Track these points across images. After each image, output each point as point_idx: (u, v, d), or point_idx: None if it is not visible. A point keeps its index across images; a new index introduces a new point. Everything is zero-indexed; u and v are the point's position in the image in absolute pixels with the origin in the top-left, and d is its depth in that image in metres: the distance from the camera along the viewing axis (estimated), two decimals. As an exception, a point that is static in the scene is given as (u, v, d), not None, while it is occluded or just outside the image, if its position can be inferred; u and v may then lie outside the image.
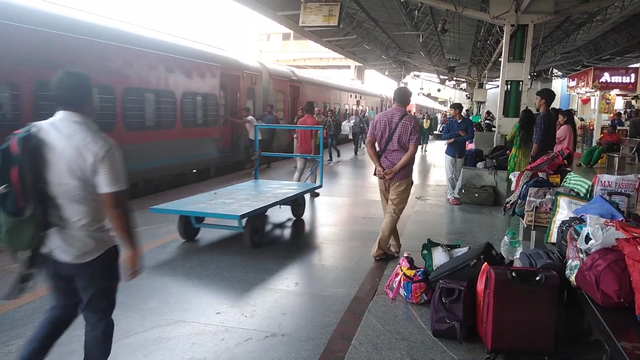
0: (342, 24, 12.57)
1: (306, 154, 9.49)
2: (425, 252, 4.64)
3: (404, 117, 5.26)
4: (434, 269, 4.33)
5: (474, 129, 12.13)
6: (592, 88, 16.60)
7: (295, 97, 18.51)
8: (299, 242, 6.24)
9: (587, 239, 2.94)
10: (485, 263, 3.64)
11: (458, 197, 8.75)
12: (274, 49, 49.85)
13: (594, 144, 15.24)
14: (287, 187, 7.54)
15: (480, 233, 6.62)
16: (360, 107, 28.40)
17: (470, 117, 20.69)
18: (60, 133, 2.43)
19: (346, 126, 18.37)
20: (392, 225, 5.42)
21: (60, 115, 2.49)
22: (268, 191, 7.10)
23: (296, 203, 7.38)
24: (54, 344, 2.76)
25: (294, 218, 7.47)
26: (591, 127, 16.84)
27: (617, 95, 19.15)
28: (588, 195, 4.47)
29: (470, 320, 3.52)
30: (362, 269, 5.10)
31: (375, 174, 5.53)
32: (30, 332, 3.55)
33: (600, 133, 15.79)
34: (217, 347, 3.44)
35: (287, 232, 6.90)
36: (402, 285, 4.22)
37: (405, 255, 4.49)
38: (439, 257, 4.47)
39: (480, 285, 3.45)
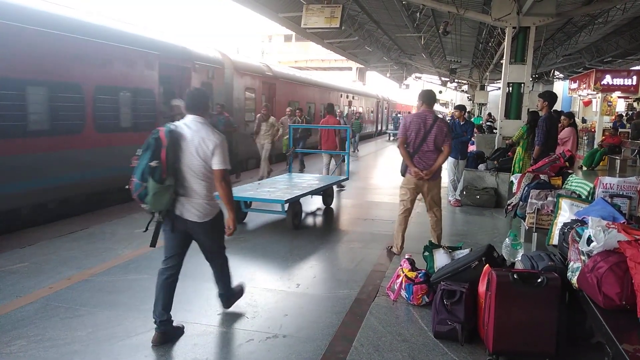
0: (343, 25, 12.58)
1: (331, 150, 10.56)
2: (426, 253, 4.64)
3: (439, 120, 5.46)
4: (436, 270, 4.34)
5: (475, 130, 12.14)
6: (593, 90, 16.57)
7: (270, 96, 15.61)
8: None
9: (589, 241, 2.95)
10: (487, 265, 3.64)
11: (459, 198, 8.74)
12: (275, 51, 49.91)
13: (595, 146, 15.23)
14: (318, 180, 8.50)
15: (481, 235, 6.62)
16: (354, 108, 26.06)
17: (472, 119, 20.66)
18: (190, 129, 3.52)
19: None
20: (441, 221, 5.77)
21: (189, 117, 3.59)
22: (303, 182, 8.11)
23: (326, 193, 8.38)
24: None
25: (324, 206, 8.45)
26: (593, 130, 16.83)
27: (619, 97, 19.13)
28: (590, 198, 4.48)
29: (471, 322, 3.52)
30: (363, 271, 5.10)
31: (404, 174, 5.62)
32: (33, 332, 3.58)
33: (602, 135, 15.78)
34: (218, 348, 3.44)
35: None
36: (403, 286, 4.22)
37: (406, 256, 4.49)
38: (441, 259, 4.48)
39: (482, 287, 3.45)
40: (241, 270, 5.08)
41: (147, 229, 3.63)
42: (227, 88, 12.88)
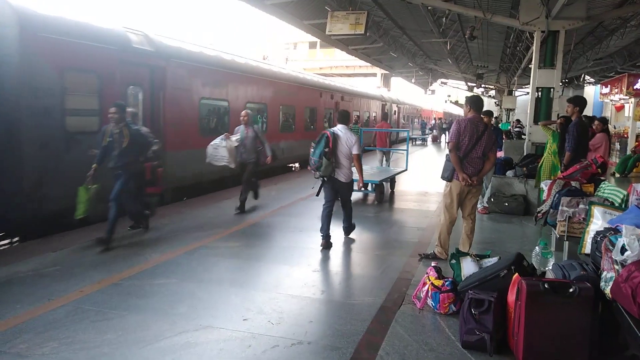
0: (368, 32, 12.59)
1: (384, 147, 13.89)
2: (453, 261, 4.58)
3: (488, 128, 5.60)
4: (463, 279, 4.27)
5: (504, 136, 11.94)
6: (626, 95, 16.12)
7: (154, 90, 9.01)
8: (334, 243, 6.21)
9: (623, 250, 2.87)
10: (516, 274, 3.56)
11: (487, 205, 8.60)
12: (300, 58, 50.30)
13: (628, 152, 14.81)
14: (385, 171, 11.32)
15: (510, 243, 6.49)
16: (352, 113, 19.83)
17: (499, 125, 20.31)
18: (341, 132, 6.27)
19: (220, 149, 8.17)
20: (474, 227, 5.79)
21: (340, 125, 6.37)
22: (380, 171, 11.07)
23: (393, 180, 10.84)
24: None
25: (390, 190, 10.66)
26: (625, 135, 16.37)
27: (653, 102, 18.57)
28: (623, 205, 4.35)
29: (500, 332, 3.44)
30: (388, 278, 5.06)
31: (451, 180, 5.56)
32: (64, 334, 3.67)
33: (635, 141, 15.33)
34: (244, 354, 3.45)
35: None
36: (429, 295, 4.17)
37: (432, 264, 4.43)
38: (468, 267, 4.41)
39: (511, 297, 3.38)
40: (265, 277, 5.10)
41: (317, 188, 6.42)
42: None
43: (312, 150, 6.14)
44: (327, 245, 6.19)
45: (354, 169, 6.47)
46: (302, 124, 16.44)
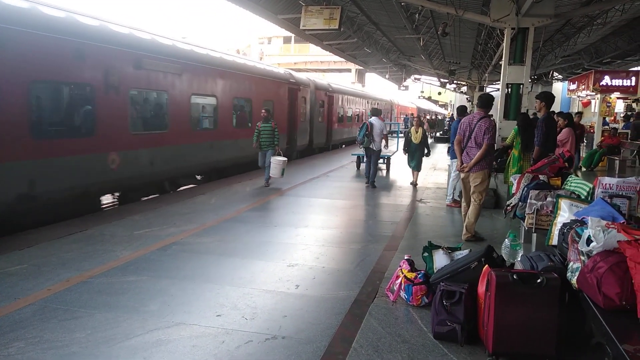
0: (342, 27, 12.58)
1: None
2: (426, 254, 4.63)
3: (481, 120, 6.14)
4: (435, 271, 4.33)
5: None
6: (592, 91, 16.58)
7: None
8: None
9: (589, 241, 2.95)
10: (486, 265, 3.63)
11: (458, 199, 8.72)
12: (274, 53, 50.03)
13: (594, 146, 15.24)
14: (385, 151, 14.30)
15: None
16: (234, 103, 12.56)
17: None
18: (375, 122, 10.91)
19: None
20: (476, 212, 6.27)
21: (373, 118, 11.04)
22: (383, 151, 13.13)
23: (389, 158, 14.48)
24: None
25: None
26: (592, 130, 16.84)
27: (618, 98, 19.14)
28: (589, 198, 4.48)
29: (471, 322, 3.50)
30: (362, 272, 5.09)
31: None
32: (31, 334, 3.57)
33: (601, 136, 15.79)
34: (217, 350, 3.43)
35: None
36: (402, 287, 4.22)
37: (405, 257, 4.48)
38: (440, 260, 4.47)
39: (481, 288, 3.44)
40: (239, 273, 5.07)
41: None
42: None
43: (358, 131, 10.72)
44: (373, 186, 10.69)
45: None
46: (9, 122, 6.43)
